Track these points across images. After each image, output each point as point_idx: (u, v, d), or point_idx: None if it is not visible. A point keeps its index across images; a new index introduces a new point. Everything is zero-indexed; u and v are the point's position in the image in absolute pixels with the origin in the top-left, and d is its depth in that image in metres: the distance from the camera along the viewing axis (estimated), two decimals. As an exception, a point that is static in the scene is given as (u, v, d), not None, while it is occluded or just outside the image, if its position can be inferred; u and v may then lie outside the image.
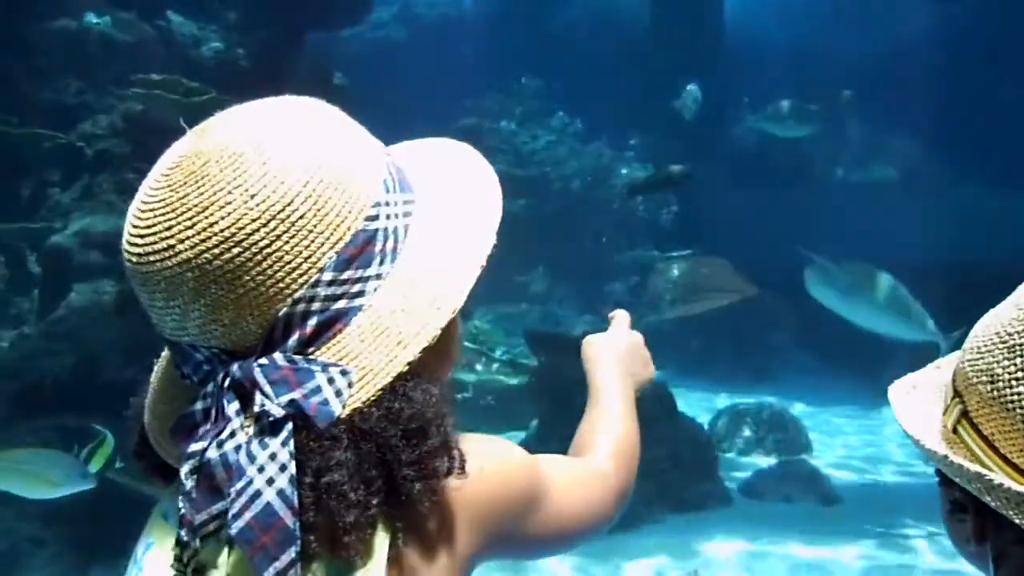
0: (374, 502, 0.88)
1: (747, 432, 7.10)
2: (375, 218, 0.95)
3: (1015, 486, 0.96)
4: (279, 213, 0.89)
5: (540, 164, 10.10)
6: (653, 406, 5.86)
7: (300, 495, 0.86)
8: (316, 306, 0.91)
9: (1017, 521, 0.96)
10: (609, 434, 1.31)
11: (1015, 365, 1.00)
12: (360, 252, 0.93)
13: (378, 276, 0.94)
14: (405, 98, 10.78)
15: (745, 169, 10.01)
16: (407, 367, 0.92)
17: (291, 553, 0.85)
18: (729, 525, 5.60)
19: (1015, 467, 0.99)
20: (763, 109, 8.70)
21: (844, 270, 6.43)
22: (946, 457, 1.02)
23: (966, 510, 1.06)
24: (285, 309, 0.90)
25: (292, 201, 0.90)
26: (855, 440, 7.56)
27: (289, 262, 0.90)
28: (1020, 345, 1.00)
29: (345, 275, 0.92)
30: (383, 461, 0.89)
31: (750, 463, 6.81)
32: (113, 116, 5.13)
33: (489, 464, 0.98)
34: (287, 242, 0.90)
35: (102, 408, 4.12)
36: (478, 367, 7.33)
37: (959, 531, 1.10)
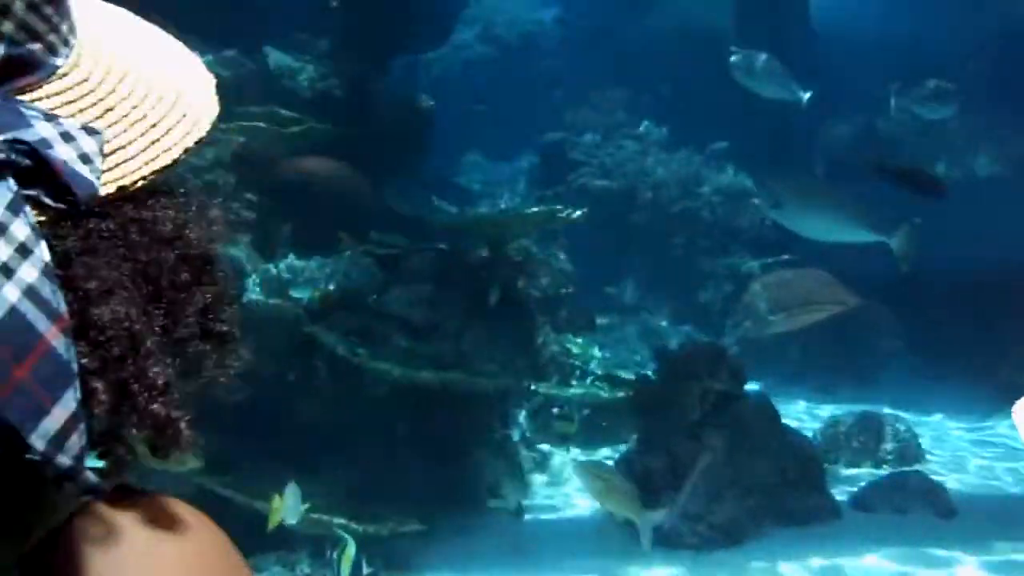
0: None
1: (855, 443, 6.85)
2: None
3: None
4: None
5: (627, 175, 10.05)
6: (755, 418, 5.74)
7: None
8: (7, 27, 0.58)
9: None
10: None
11: None
12: None
13: (68, 43, 0.62)
14: (489, 116, 10.92)
15: (841, 170, 9.72)
16: (183, 155, 0.63)
17: (70, 400, 0.51)
18: (841, 539, 5.42)
19: None
20: (908, 91, 8.27)
21: (787, 186, 6.33)
22: None
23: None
24: None
25: None
26: (971, 448, 7.22)
27: None
28: None
29: (47, 10, 0.60)
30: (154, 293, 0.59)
31: (860, 475, 6.58)
32: (218, 148, 5.37)
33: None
34: None
35: (215, 428, 4.28)
36: (573, 381, 7.31)
37: None
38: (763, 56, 7.52)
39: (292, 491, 3.94)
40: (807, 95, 7.30)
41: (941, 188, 6.41)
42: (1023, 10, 9.39)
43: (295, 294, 5.09)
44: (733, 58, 7.38)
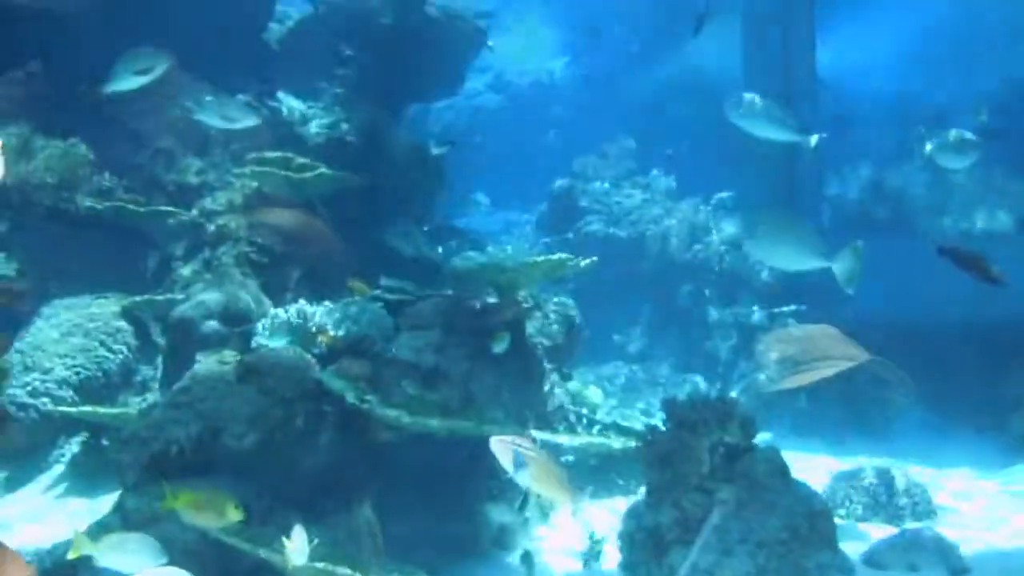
0: None
1: (865, 498, 6.75)
2: None
3: None
4: None
5: (635, 223, 10.09)
6: (765, 472, 5.65)
7: None
8: None
9: None
10: None
11: None
12: None
13: None
14: (499, 162, 11.01)
15: (846, 221, 9.76)
16: None
17: None
18: (852, 597, 5.30)
19: None
20: (932, 138, 8.26)
21: (756, 219, 6.29)
22: None
23: None
24: None
25: None
26: (984, 504, 7.10)
27: None
28: None
29: None
30: None
31: (870, 531, 6.46)
32: (231, 193, 5.41)
33: None
34: None
35: (225, 474, 4.24)
36: (579, 429, 7.23)
37: None
38: (760, 97, 7.45)
39: (298, 533, 3.92)
40: (814, 138, 7.28)
41: (1000, 279, 6.41)
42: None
43: (267, 342, 4.96)
44: (730, 99, 7.23)
